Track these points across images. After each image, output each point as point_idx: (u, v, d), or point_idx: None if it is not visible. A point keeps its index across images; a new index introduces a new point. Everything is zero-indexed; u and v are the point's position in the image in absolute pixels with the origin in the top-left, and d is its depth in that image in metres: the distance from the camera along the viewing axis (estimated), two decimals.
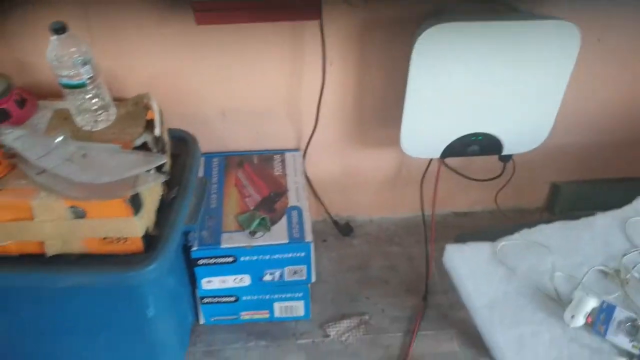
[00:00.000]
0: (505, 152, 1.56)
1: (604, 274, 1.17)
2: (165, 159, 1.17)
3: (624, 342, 1.05)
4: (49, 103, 1.32)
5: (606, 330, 1.07)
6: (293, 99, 1.56)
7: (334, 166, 1.75)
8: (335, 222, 1.85)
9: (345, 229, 1.84)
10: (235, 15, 1.26)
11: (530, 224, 1.27)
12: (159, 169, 1.20)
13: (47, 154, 1.12)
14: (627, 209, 1.31)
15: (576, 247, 1.21)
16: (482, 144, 1.52)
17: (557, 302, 1.11)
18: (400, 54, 1.45)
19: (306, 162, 1.69)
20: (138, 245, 1.18)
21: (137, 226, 1.15)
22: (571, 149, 1.79)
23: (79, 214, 1.12)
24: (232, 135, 1.62)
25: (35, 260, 1.17)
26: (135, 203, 1.13)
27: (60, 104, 1.31)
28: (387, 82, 1.55)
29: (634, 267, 1.18)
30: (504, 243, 1.23)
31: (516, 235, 1.25)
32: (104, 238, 1.17)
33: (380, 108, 1.61)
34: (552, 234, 1.25)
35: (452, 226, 1.88)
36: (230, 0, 1.24)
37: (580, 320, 1.07)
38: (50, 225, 1.13)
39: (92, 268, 1.17)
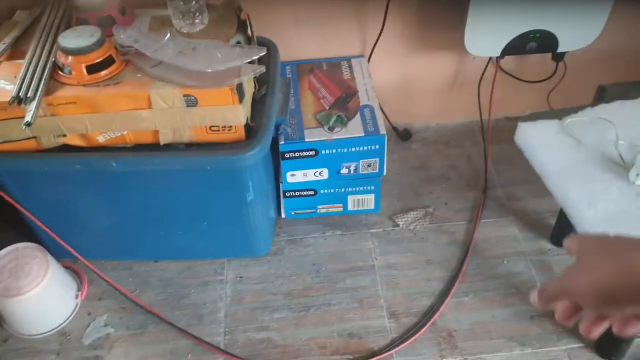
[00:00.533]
0: (560, 49, 1.66)
1: None
2: (264, 50, 1.29)
3: None
4: (145, 11, 1.44)
5: None
6: (361, 4, 1.66)
7: (394, 73, 1.86)
8: (395, 128, 1.97)
9: (404, 134, 1.97)
10: None
11: None
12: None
13: (161, 48, 1.25)
14: None
15: (636, 121, 1.33)
16: (539, 41, 1.62)
17: (622, 166, 1.23)
18: None
19: (370, 67, 1.80)
20: (240, 133, 1.32)
21: (241, 114, 1.28)
22: (617, 51, 1.87)
23: (191, 103, 1.25)
24: (302, 43, 1.73)
25: (149, 148, 1.32)
26: (240, 92, 1.26)
27: (154, 12, 1.43)
28: None
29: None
30: (570, 120, 1.35)
31: (580, 113, 1.36)
32: (211, 127, 1.31)
33: (442, 9, 1.70)
34: (614, 110, 1.36)
35: (505, 129, 1.97)
36: None
37: None
38: (165, 114, 1.26)
39: (200, 153, 1.32)
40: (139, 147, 1.33)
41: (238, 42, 1.36)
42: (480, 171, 1.84)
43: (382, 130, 1.54)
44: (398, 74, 1.87)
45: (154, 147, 1.33)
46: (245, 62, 1.26)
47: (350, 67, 1.74)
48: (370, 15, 1.69)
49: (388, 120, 1.96)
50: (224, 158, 1.31)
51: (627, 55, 1.89)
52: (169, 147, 1.33)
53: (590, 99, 2.10)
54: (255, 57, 1.28)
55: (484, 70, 1.82)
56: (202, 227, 1.50)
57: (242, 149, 1.31)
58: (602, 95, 2.01)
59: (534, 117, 1.39)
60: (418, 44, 1.78)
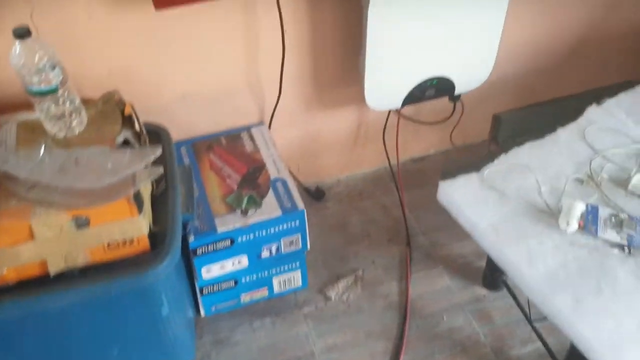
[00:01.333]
0: (457, 92, 1.65)
1: (580, 181, 1.29)
2: (159, 151, 1.14)
3: (613, 236, 1.17)
4: (10, 117, 1.24)
5: (596, 229, 1.18)
6: (253, 73, 1.56)
7: (297, 133, 1.77)
8: (306, 189, 1.87)
9: (317, 194, 1.87)
10: None
11: (482, 159, 1.37)
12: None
13: (36, 166, 1.06)
14: (581, 121, 1.44)
15: (550, 162, 1.32)
16: (437, 87, 1.61)
17: (549, 214, 1.21)
18: (352, 11, 1.49)
19: (271, 133, 1.70)
20: (144, 244, 1.15)
21: (142, 225, 1.12)
22: (508, 80, 1.92)
23: (83, 223, 1.07)
24: (195, 120, 1.59)
25: (37, 283, 1.12)
26: (138, 201, 1.10)
27: (21, 116, 1.23)
28: (342, 40, 1.58)
29: (602, 169, 1.30)
30: (488, 170, 1.31)
31: (496, 162, 1.34)
32: (108, 245, 1.13)
33: (338, 68, 1.64)
34: (526, 154, 1.35)
35: (413, 172, 1.97)
36: None
37: (574, 225, 1.18)
38: (53, 242, 1.07)
39: (101, 278, 1.13)
40: (23, 285, 1.12)
41: (126, 142, 1.20)
42: (399, 221, 1.79)
43: (300, 205, 1.43)
44: (301, 133, 1.78)
45: (42, 280, 1.12)
46: (140, 167, 1.10)
47: (251, 137, 1.62)
48: (264, 80, 1.58)
49: (298, 182, 1.86)
50: (129, 278, 1.13)
51: (515, 82, 1.94)
52: (61, 277, 1.13)
53: (487, 128, 2.14)
54: (153, 158, 1.13)
55: (387, 119, 1.77)
56: (115, 353, 1.30)
57: (149, 263, 1.14)
58: (498, 124, 2.06)
59: (447, 175, 1.34)
60: (317, 102, 1.71)
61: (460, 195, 1.28)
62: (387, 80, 1.53)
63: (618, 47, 1.99)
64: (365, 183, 1.94)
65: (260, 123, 1.67)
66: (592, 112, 1.46)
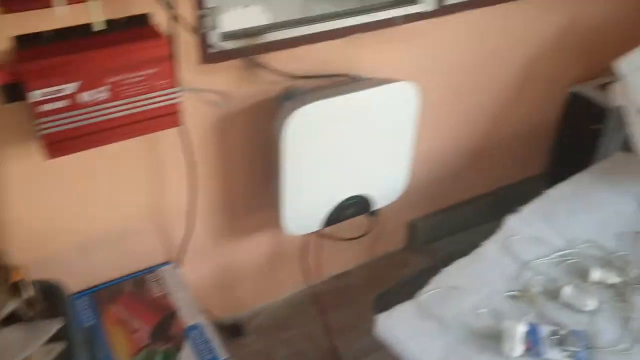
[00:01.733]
0: (374, 208, 1.61)
1: (514, 297, 1.26)
2: (57, 324, 0.96)
3: (557, 354, 1.13)
4: None
5: (541, 350, 1.14)
6: (158, 209, 1.43)
7: (211, 266, 1.63)
8: (225, 326, 1.70)
9: (235, 330, 1.71)
10: (90, 140, 1.12)
11: (414, 277, 1.32)
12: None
13: None
14: (503, 232, 1.43)
15: (482, 280, 1.29)
16: (356, 206, 1.56)
17: (493, 338, 1.16)
18: (262, 138, 1.44)
19: (181, 271, 1.54)
20: None
21: None
22: (421, 186, 1.92)
23: None
24: (96, 266, 1.41)
25: None
26: None
27: None
28: (252, 166, 1.51)
29: (532, 282, 1.29)
30: (423, 297, 1.25)
31: (430, 287, 1.27)
32: None
33: (250, 194, 1.56)
34: (458, 274, 1.30)
35: (337, 290, 1.88)
36: (82, 123, 1.09)
37: (518, 350, 1.13)
38: None
39: None
40: None
41: (15, 314, 1.01)
42: (328, 348, 1.66)
43: (222, 354, 1.28)
44: (215, 266, 1.64)
45: None
46: (36, 345, 0.92)
47: (159, 279, 1.46)
48: (171, 215, 1.46)
49: (216, 321, 1.69)
50: None
51: (429, 189, 1.95)
52: None
53: (402, 236, 2.13)
54: (51, 334, 0.95)
55: (304, 240, 1.69)
56: None
57: None
58: (414, 230, 2.05)
59: (380, 302, 1.26)
60: (230, 231, 1.59)
61: (401, 330, 1.19)
62: (305, 205, 1.46)
63: (519, 144, 2.09)
64: (287, 310, 1.81)
65: (169, 262, 1.52)
66: (512, 222, 1.46)
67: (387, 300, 1.31)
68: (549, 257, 1.35)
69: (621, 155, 1.74)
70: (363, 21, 1.45)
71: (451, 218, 2.07)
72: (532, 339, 1.15)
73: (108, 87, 1.09)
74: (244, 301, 1.77)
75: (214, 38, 1.27)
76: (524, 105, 1.98)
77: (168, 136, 1.32)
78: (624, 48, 2.04)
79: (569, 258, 1.35)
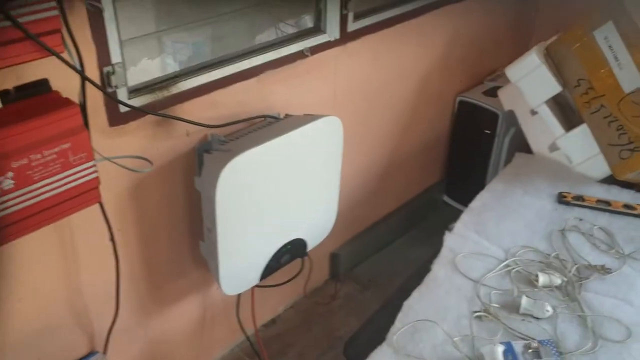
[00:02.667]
0: (309, 247, 1.54)
1: (479, 318, 1.26)
2: None
3: None
4: None
5: None
6: (76, 296, 1.23)
7: (139, 345, 1.44)
8: None
9: None
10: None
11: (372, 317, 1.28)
12: None
13: None
14: (445, 253, 1.43)
15: (445, 307, 1.27)
16: (292, 251, 1.48)
17: None
18: (183, 196, 1.30)
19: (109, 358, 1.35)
20: None
21: None
22: (339, 216, 1.88)
23: None
24: None
25: None
26: None
27: None
28: (175, 230, 1.36)
29: (490, 299, 1.29)
30: (395, 337, 1.20)
31: (398, 325, 1.22)
32: None
33: (174, 260, 1.41)
34: (420, 304, 1.27)
35: (270, 339, 1.77)
36: None
37: None
38: None
39: None
40: None
41: None
42: None
43: None
44: (143, 344, 1.46)
45: None
46: None
47: None
48: (91, 299, 1.26)
49: None
50: None
51: (346, 216, 1.91)
52: None
53: (326, 267, 2.07)
54: None
55: (238, 296, 1.56)
56: None
57: None
58: (336, 260, 2.00)
59: (351, 351, 1.19)
60: (156, 303, 1.43)
61: None
62: (242, 261, 1.35)
63: (420, 156, 2.13)
64: None
65: (93, 352, 1.31)
66: (450, 240, 1.47)
67: (357, 346, 1.24)
68: (496, 270, 1.37)
69: (522, 157, 1.84)
70: (274, 57, 1.38)
71: (368, 240, 2.06)
72: (512, 357, 1.15)
73: (12, 173, 0.90)
74: None
75: (122, 95, 1.12)
76: (421, 118, 2.03)
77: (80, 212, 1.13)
78: (500, 54, 2.19)
79: (513, 267, 1.38)
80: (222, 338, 1.66)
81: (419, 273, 1.40)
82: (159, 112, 1.18)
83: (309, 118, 1.36)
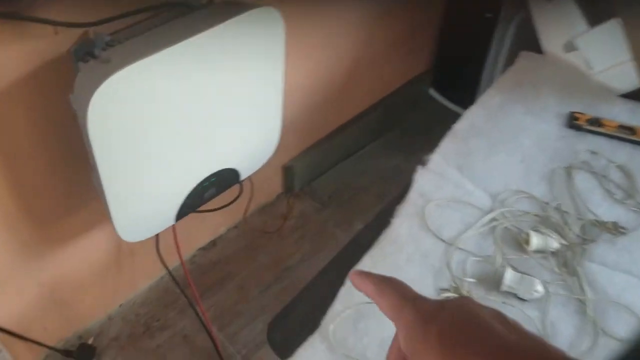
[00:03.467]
0: (243, 177, 1.21)
1: (447, 292, 0.97)
2: None
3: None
4: None
5: None
6: None
7: (29, 292, 1.16)
8: (69, 353, 1.28)
9: (82, 354, 1.30)
10: None
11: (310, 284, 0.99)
12: None
13: None
14: (413, 196, 1.09)
15: (403, 278, 0.97)
16: (218, 183, 1.15)
17: None
18: (60, 117, 0.94)
19: None
20: None
21: None
22: (290, 125, 1.52)
23: None
24: None
25: None
26: None
27: None
28: (55, 158, 1.01)
29: (464, 271, 1.00)
30: (331, 327, 0.91)
31: (336, 309, 0.93)
32: None
33: (61, 194, 1.08)
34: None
35: (207, 265, 1.50)
36: None
37: None
38: None
39: None
40: None
41: None
42: (210, 348, 1.32)
43: None
44: (35, 290, 1.18)
45: None
46: None
47: None
48: None
49: (50, 348, 1.26)
50: None
51: (294, 126, 1.56)
52: None
53: (279, 182, 1.75)
54: None
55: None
56: None
57: None
58: (290, 173, 1.67)
59: (276, 327, 0.92)
60: (45, 243, 1.13)
61: None
62: (144, 203, 1.02)
63: (400, 43, 1.72)
64: (150, 306, 1.42)
65: None
66: (422, 180, 1.13)
67: (286, 328, 0.97)
68: (477, 227, 1.06)
69: (528, 58, 1.44)
70: None
71: (331, 148, 1.72)
72: None
73: None
74: (90, 311, 1.34)
75: None
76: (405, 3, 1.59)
77: None
78: None
79: (499, 222, 1.07)
80: (147, 268, 1.39)
81: (388, 210, 1.09)
82: None
83: (235, 9, 0.95)
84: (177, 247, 1.25)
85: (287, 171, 1.64)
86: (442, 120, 1.85)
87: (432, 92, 1.97)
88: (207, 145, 1.04)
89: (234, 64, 0.97)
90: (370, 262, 0.99)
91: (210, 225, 1.52)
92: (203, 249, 1.53)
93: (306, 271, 1.45)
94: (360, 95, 1.72)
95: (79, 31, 0.89)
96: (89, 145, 0.85)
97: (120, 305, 1.40)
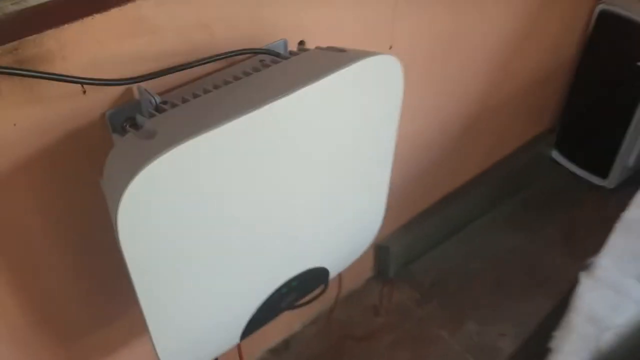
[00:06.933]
0: (333, 274, 0.91)
1: None
2: None
3: None
4: None
5: None
6: None
7: None
8: None
9: None
10: None
11: None
12: None
13: None
14: (580, 326, 0.76)
15: None
16: (301, 287, 0.85)
17: None
18: (86, 204, 0.68)
19: None
20: None
21: None
22: (392, 194, 1.22)
23: None
24: None
25: None
26: None
27: None
28: (76, 255, 0.75)
29: None
30: None
31: None
32: None
33: (84, 303, 0.80)
34: None
35: None
36: None
37: None
38: None
39: None
40: None
41: None
42: None
43: None
44: None
45: None
46: None
47: None
48: None
49: None
50: None
51: (404, 195, 1.25)
52: None
53: (369, 264, 1.43)
54: None
55: None
56: None
57: None
58: (385, 255, 1.36)
59: None
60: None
61: None
62: (200, 324, 0.73)
63: (522, 99, 1.40)
64: None
65: None
66: (590, 297, 0.79)
67: None
68: None
69: None
70: None
71: (434, 224, 1.39)
72: None
73: None
74: None
75: None
76: (534, 41, 1.27)
77: None
78: None
79: None
80: None
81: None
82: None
83: (340, 58, 0.67)
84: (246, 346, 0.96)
85: (380, 251, 1.32)
86: (570, 190, 1.49)
87: (555, 155, 1.62)
88: (287, 244, 0.75)
89: (333, 129, 0.69)
90: None
91: (282, 320, 1.22)
92: (273, 351, 1.23)
93: None
94: (469, 163, 1.40)
95: (117, 89, 0.64)
96: (121, 251, 0.58)
97: None
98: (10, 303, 0.72)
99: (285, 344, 1.24)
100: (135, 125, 0.62)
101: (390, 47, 0.95)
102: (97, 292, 0.81)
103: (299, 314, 1.25)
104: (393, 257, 1.34)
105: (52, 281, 0.74)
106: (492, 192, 1.49)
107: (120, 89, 0.64)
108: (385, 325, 1.27)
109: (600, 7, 1.34)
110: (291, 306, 0.86)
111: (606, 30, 1.36)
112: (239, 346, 0.93)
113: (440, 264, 1.39)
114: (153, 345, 0.69)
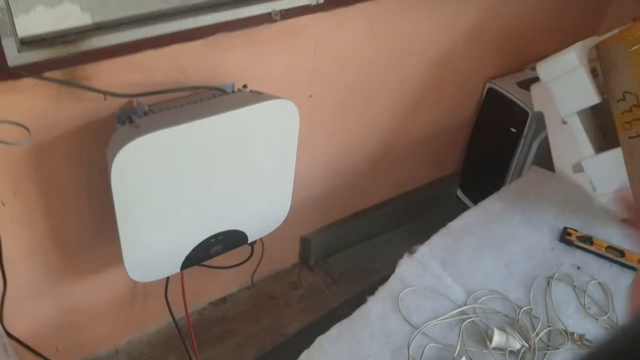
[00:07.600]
0: (250, 240, 1.35)
1: None
2: None
3: None
4: None
5: None
6: None
7: (47, 313, 1.33)
8: None
9: None
10: None
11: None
12: None
13: None
14: (393, 282, 1.20)
15: (363, 354, 1.06)
16: (225, 242, 1.29)
17: None
18: (95, 168, 1.13)
19: (5, 323, 1.24)
20: None
21: None
22: (311, 201, 1.67)
23: None
24: None
25: None
26: None
27: None
28: (88, 201, 1.20)
29: (422, 353, 1.07)
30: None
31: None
32: None
33: (87, 231, 1.25)
34: (334, 348, 1.07)
35: (214, 320, 1.62)
36: None
37: None
38: None
39: None
40: None
41: None
42: None
43: None
44: (56, 309, 1.34)
45: None
46: None
47: None
48: None
49: None
50: None
51: (319, 202, 1.70)
52: None
53: (295, 251, 1.88)
54: None
55: (167, 279, 1.41)
56: None
57: None
58: (307, 245, 1.80)
59: None
60: (68, 271, 1.30)
61: None
62: (152, 250, 1.17)
63: (431, 144, 1.86)
64: (154, 347, 1.55)
65: None
66: (405, 267, 1.23)
67: None
68: (445, 317, 1.14)
69: (537, 173, 1.54)
70: (229, 18, 1.14)
71: (350, 229, 1.84)
72: None
73: None
74: (98, 341, 1.49)
75: (10, 47, 0.93)
76: (439, 101, 1.74)
77: None
78: (555, 36, 1.83)
79: (468, 316, 1.14)
80: (156, 312, 1.52)
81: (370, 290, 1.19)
82: (63, 69, 0.99)
83: (258, 97, 1.13)
84: (184, 298, 1.39)
85: (305, 243, 1.77)
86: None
87: (460, 194, 2.08)
88: (217, 207, 1.20)
89: (249, 142, 1.14)
90: (337, 333, 1.09)
91: (223, 282, 1.66)
92: (213, 303, 1.66)
93: (301, 342, 1.54)
94: (386, 185, 1.85)
95: (123, 100, 1.10)
96: (111, 193, 1.03)
97: (128, 342, 1.54)
98: (40, 223, 1.17)
99: (223, 300, 1.68)
100: (131, 121, 1.08)
101: (310, 96, 1.42)
102: (96, 225, 1.25)
103: (236, 279, 1.68)
104: (314, 249, 1.78)
105: (68, 212, 1.19)
106: (400, 214, 1.94)
107: (125, 100, 1.10)
108: (300, 297, 1.70)
109: (489, 84, 1.81)
110: (217, 254, 1.30)
111: (493, 102, 1.82)
112: (182, 285, 1.37)
113: (350, 261, 1.83)
114: (122, 259, 1.14)
